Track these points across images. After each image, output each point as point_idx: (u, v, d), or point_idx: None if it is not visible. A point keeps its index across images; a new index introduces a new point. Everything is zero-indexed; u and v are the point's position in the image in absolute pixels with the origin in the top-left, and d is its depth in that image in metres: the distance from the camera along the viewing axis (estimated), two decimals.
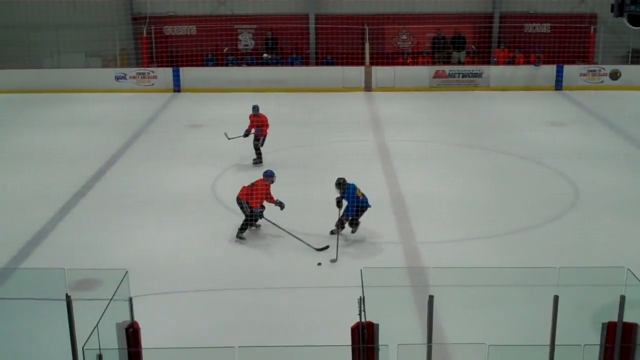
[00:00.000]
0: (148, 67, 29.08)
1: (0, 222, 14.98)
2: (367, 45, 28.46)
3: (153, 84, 28.30)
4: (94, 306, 8.00)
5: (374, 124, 23.12)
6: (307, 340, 10.00)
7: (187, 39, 30.06)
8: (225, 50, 30.09)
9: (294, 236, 13.36)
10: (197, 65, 28.77)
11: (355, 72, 28.08)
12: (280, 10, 30.17)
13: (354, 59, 28.37)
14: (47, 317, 11.15)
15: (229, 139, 18.80)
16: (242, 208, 13.76)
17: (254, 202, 13.56)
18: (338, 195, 13.36)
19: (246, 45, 30.61)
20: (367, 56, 28.30)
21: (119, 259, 12.71)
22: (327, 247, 13.17)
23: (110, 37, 29.30)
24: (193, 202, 15.92)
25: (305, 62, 30.06)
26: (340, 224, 13.39)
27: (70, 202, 16.05)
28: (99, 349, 7.34)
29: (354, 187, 13.45)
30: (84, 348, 7.20)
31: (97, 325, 7.38)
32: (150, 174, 17.99)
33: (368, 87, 28.01)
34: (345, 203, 13.39)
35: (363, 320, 7.69)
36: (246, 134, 18.80)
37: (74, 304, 7.87)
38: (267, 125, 18.77)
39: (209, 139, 20.98)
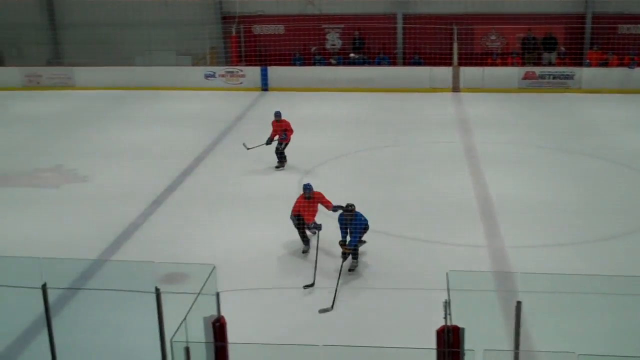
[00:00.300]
0: (237, 65, 29.47)
1: (93, 215, 15.44)
2: (455, 45, 28.14)
3: (241, 83, 28.67)
4: (182, 300, 8.16)
5: (461, 125, 22.85)
6: (390, 341, 9.96)
7: (275, 38, 30.33)
8: (312, 50, 30.23)
9: (315, 263, 12.39)
10: (284, 65, 29.02)
11: (443, 72, 27.80)
12: (368, 10, 30.13)
13: (442, 59, 28.10)
14: (137, 309, 11.43)
15: (247, 149, 18.54)
16: (294, 223, 13.38)
17: (306, 217, 13.06)
18: (340, 215, 12.47)
19: (333, 45, 30.68)
20: (455, 56, 27.98)
21: (207, 254, 12.93)
22: (311, 285, 11.97)
23: (201, 36, 29.86)
24: (280, 200, 16.00)
25: (393, 62, 29.94)
26: (344, 257, 12.24)
27: (161, 197, 16.42)
28: (187, 341, 7.48)
29: (360, 214, 12.50)
30: (172, 340, 7.35)
31: (185, 318, 7.53)
32: (239, 171, 18.23)
33: (456, 88, 27.70)
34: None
35: (449, 323, 7.62)
36: (269, 142, 18.30)
37: (163, 297, 8.04)
38: (291, 131, 18.32)
39: (297, 137, 21.06)
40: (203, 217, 15.24)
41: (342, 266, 12.10)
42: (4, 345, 10.43)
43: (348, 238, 12.38)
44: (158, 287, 8.06)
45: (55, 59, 31.68)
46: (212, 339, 8.05)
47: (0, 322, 10.56)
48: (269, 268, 12.80)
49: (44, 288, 8.21)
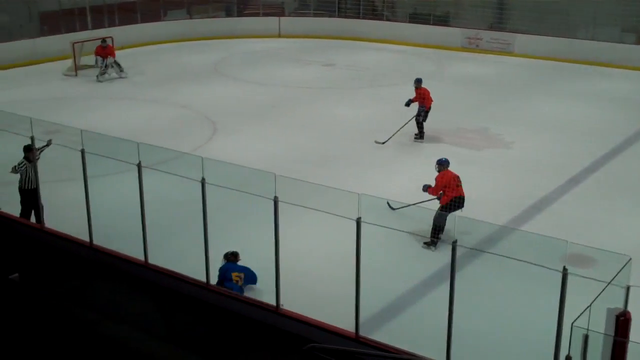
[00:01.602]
0: None
1: (508, 181, 15.56)
2: None
3: None
4: (586, 284, 7.85)
5: None
6: None
7: None
8: None
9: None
10: None
11: None
12: None
13: None
14: (538, 283, 11.32)
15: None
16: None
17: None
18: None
19: None
20: None
21: (617, 243, 12.23)
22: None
23: None
24: None
25: None
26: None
27: (579, 176, 15.95)
28: (587, 329, 7.20)
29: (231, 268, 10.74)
30: (574, 324, 7.12)
31: (590, 305, 7.24)
32: None
33: None
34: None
35: None
36: (408, 104, 18.20)
37: (568, 278, 7.83)
38: (429, 99, 17.94)
39: None
40: (622, 203, 14.49)
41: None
42: (407, 287, 11.07)
43: None
44: (566, 267, 7.86)
45: (498, 23, 32.13)
46: (612, 332, 7.64)
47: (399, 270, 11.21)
48: None
49: (453, 245, 8.47)
